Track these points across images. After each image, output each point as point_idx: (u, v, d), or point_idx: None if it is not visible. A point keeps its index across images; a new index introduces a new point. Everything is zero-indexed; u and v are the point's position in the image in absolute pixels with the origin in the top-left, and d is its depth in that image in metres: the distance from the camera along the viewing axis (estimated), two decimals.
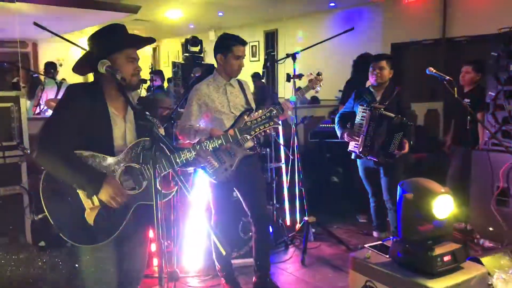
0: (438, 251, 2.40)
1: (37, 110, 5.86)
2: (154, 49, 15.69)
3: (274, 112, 2.40)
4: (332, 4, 9.22)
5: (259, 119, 2.31)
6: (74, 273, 3.14)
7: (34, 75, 6.85)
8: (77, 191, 1.98)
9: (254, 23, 11.30)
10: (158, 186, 2.09)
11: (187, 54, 6.12)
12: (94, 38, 2.14)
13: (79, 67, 2.16)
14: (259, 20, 11.06)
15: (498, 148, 4.02)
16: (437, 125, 7.13)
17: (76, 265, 3.03)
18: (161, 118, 3.78)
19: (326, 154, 5.59)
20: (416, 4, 8.18)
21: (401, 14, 8.42)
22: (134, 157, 2.04)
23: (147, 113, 2.22)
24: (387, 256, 2.61)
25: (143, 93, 5.75)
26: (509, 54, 4.01)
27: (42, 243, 3.82)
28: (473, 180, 4.27)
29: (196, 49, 6.05)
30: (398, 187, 2.56)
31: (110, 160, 2.02)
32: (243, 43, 3.19)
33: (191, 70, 4.44)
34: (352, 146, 3.91)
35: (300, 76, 4.04)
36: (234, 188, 3.30)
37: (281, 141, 4.61)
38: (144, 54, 15.35)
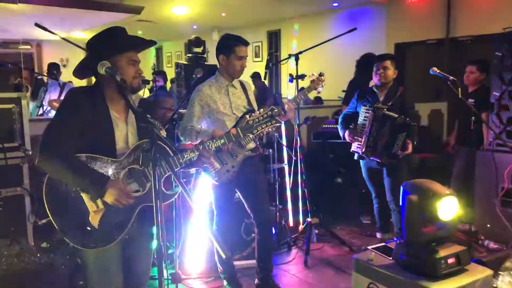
0: (442, 253, 2.37)
1: (40, 111, 5.87)
2: (157, 50, 15.72)
3: (275, 110, 2.39)
4: (335, 4, 9.20)
5: (261, 117, 2.31)
6: (76, 274, 3.14)
7: (38, 77, 6.87)
8: (81, 194, 1.97)
9: (257, 24, 11.30)
10: (162, 187, 2.09)
11: (190, 55, 6.12)
12: (94, 41, 2.13)
13: (79, 71, 2.15)
14: (262, 21, 11.05)
15: (502, 148, 3.99)
16: (441, 125, 7.09)
17: (79, 266, 3.06)
18: (165, 119, 3.76)
19: (329, 155, 5.56)
20: (419, 4, 8.15)
21: (405, 14, 8.38)
22: (137, 159, 2.02)
23: (148, 115, 2.22)
24: (390, 258, 2.58)
25: (146, 93, 5.75)
26: None
27: (44, 245, 3.83)
28: (478, 181, 4.24)
29: (199, 49, 6.05)
30: (401, 188, 2.54)
31: (112, 162, 2.01)
32: (246, 43, 3.17)
33: (194, 70, 4.43)
34: (354, 146, 3.88)
35: (302, 77, 4.02)
36: (236, 190, 3.29)
37: (284, 142, 4.59)
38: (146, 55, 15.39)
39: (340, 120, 4.10)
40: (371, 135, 3.72)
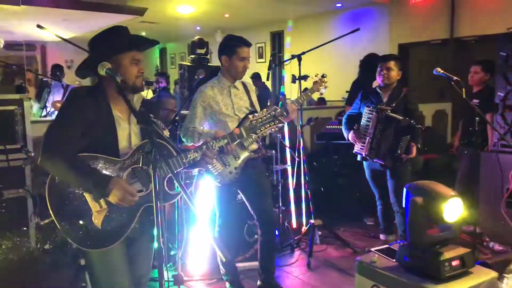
0: (446, 255, 2.34)
1: (44, 112, 5.89)
2: (161, 51, 15.74)
3: (278, 110, 2.39)
4: (338, 5, 9.18)
5: (264, 118, 2.31)
6: (79, 276, 3.13)
7: (43, 79, 6.89)
8: (84, 194, 1.96)
9: (260, 24, 11.29)
10: (165, 187, 2.08)
11: (193, 56, 6.11)
12: (96, 41, 2.11)
13: (82, 71, 2.14)
14: (265, 21, 11.05)
15: (507, 149, 3.95)
16: (445, 126, 7.06)
17: (81, 268, 3.05)
18: (168, 120, 3.76)
19: (333, 156, 5.55)
20: (423, 4, 8.11)
21: (408, 14, 8.35)
22: (140, 159, 2.01)
23: (151, 115, 2.21)
24: (394, 260, 2.56)
25: (150, 94, 5.74)
26: None
27: (47, 246, 3.83)
28: (482, 182, 4.21)
29: (203, 51, 6.04)
30: (404, 190, 2.51)
31: (115, 162, 2.00)
32: (248, 44, 3.16)
33: (197, 72, 4.42)
34: (357, 148, 3.86)
35: (305, 78, 4.00)
36: (239, 191, 3.28)
37: (287, 143, 4.57)
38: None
39: (344, 121, 4.08)
40: (375, 137, 3.69)
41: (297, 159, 4.40)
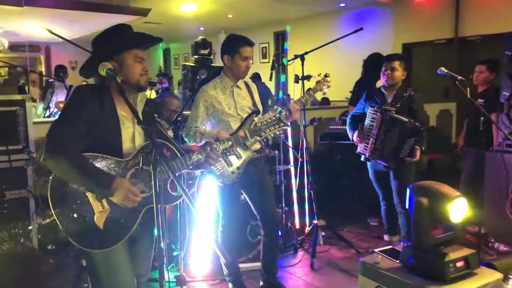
0: (450, 256, 2.31)
1: (47, 113, 5.91)
2: (165, 52, 15.76)
3: (283, 113, 2.38)
4: (342, 5, 9.15)
5: (269, 120, 2.31)
6: (81, 277, 3.13)
7: (49, 80, 6.92)
8: (86, 194, 1.94)
9: (263, 24, 11.27)
10: (168, 189, 2.07)
11: (196, 57, 6.10)
12: (99, 40, 2.10)
13: (85, 71, 2.12)
14: (269, 21, 11.03)
15: None
16: (450, 125, 7.02)
17: (83, 269, 3.05)
18: (171, 121, 3.75)
19: (337, 156, 5.52)
20: (427, 3, 8.07)
21: (413, 13, 8.31)
22: (144, 160, 2.00)
23: (155, 115, 2.20)
24: (398, 261, 2.53)
25: (153, 95, 5.74)
26: None
27: (50, 247, 3.83)
28: (487, 182, 4.17)
29: (206, 51, 6.03)
30: (408, 191, 2.49)
31: (119, 163, 1.99)
32: (250, 44, 3.14)
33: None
34: (361, 148, 3.82)
35: (308, 78, 3.98)
36: (242, 191, 3.26)
37: (290, 143, 4.55)
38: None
39: (348, 120, 4.04)
40: (378, 138, 3.65)
41: (300, 159, 4.38)
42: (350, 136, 3.96)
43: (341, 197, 5.38)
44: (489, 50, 6.71)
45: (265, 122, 2.33)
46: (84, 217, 1.95)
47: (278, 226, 3.56)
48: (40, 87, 9.24)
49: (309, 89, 3.41)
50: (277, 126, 2.32)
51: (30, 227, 3.14)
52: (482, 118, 3.47)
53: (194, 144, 3.10)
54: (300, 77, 4.05)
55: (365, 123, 3.78)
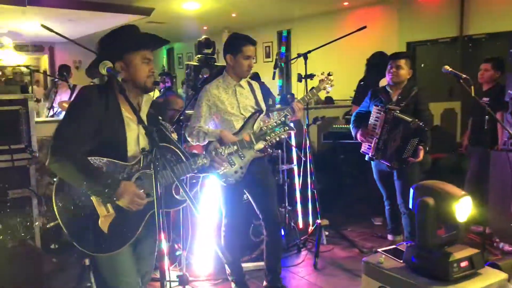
0: (454, 256, 2.29)
1: (51, 113, 5.92)
2: (168, 51, 15.77)
3: (288, 116, 2.38)
4: (346, 3, 9.12)
5: (274, 124, 2.32)
6: (84, 276, 3.13)
7: (54, 79, 6.94)
8: (91, 198, 1.93)
9: (267, 24, 11.25)
10: (173, 193, 2.06)
11: (200, 56, 6.10)
12: (107, 40, 2.08)
13: (91, 70, 2.11)
14: (272, 21, 11.01)
15: None
16: (454, 124, 6.97)
17: (86, 268, 3.05)
18: (173, 121, 3.74)
19: (340, 156, 5.50)
20: (432, 2, 8.03)
21: (417, 12, 8.27)
22: (149, 163, 1.98)
23: (160, 117, 2.18)
24: (401, 261, 2.52)
25: (156, 94, 5.74)
26: None
27: (53, 246, 3.84)
28: (492, 182, 4.13)
29: (209, 50, 6.02)
30: (411, 191, 2.47)
31: (124, 167, 1.97)
32: (253, 42, 3.13)
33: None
34: (365, 147, 3.79)
35: (311, 76, 3.96)
36: (245, 191, 3.25)
37: (293, 142, 4.53)
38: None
39: (352, 118, 4.00)
40: (382, 138, 3.62)
41: (303, 158, 4.37)
42: (353, 134, 3.94)
43: (345, 197, 5.37)
44: (495, 48, 6.67)
45: (270, 126, 2.34)
46: (89, 221, 1.94)
47: (280, 226, 3.54)
48: (44, 87, 9.28)
49: (313, 88, 3.40)
50: (283, 130, 2.33)
51: (33, 226, 3.13)
52: (487, 116, 3.44)
53: (197, 143, 3.09)
54: (303, 76, 4.03)
55: (370, 122, 3.74)
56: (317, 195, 4.11)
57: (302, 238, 4.25)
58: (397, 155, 3.57)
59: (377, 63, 4.84)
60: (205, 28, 11.79)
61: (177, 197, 2.09)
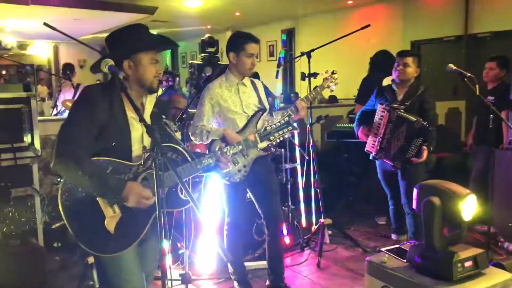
0: (458, 256, 2.28)
1: (55, 111, 5.93)
2: (172, 51, 15.77)
3: (292, 116, 2.39)
4: (350, 2, 9.09)
5: (278, 124, 2.33)
6: (86, 273, 3.13)
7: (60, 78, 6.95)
8: (97, 199, 1.92)
9: (271, 22, 11.24)
10: (178, 192, 2.05)
11: (203, 55, 6.10)
12: (116, 37, 2.06)
13: (96, 67, 2.09)
14: (276, 19, 10.99)
15: None
16: (459, 124, 6.94)
17: (89, 265, 3.05)
18: (176, 119, 3.74)
19: (344, 155, 5.49)
20: (437, 0, 7.99)
21: (422, 10, 8.23)
22: (158, 163, 1.97)
23: (164, 116, 2.17)
24: (405, 260, 2.50)
25: (159, 92, 5.73)
26: None
27: (56, 244, 3.85)
28: (497, 181, 4.10)
29: (213, 49, 6.02)
30: (415, 191, 2.45)
31: (130, 167, 1.96)
32: (256, 40, 3.11)
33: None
34: (369, 146, 3.76)
35: (315, 75, 3.95)
36: (247, 189, 3.24)
37: (296, 141, 4.52)
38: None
39: (357, 116, 3.96)
40: (385, 137, 3.58)
41: (306, 157, 4.35)
42: (356, 132, 3.91)
43: (348, 196, 5.35)
44: (499, 47, 6.62)
45: (274, 126, 2.35)
46: (95, 222, 1.93)
47: (282, 225, 3.53)
48: (48, 86, 9.29)
49: (316, 86, 3.38)
50: (286, 129, 2.34)
51: (36, 225, 3.14)
52: (492, 115, 3.41)
53: (201, 142, 3.08)
54: (306, 75, 4.02)
55: (375, 119, 3.70)
56: (320, 194, 4.09)
57: (305, 237, 4.23)
58: (400, 155, 3.53)
59: (381, 62, 4.81)
60: (208, 27, 11.79)
61: (182, 197, 2.08)
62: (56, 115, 5.85)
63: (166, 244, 1.73)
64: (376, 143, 3.65)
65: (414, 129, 3.43)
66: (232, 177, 3.04)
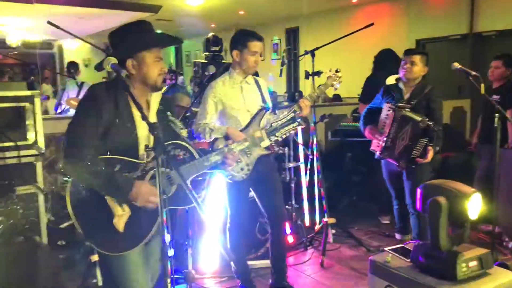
0: (463, 256, 2.26)
1: (59, 110, 5.95)
2: (176, 49, 15.79)
3: (297, 112, 2.38)
4: (354, 0, 9.06)
5: (284, 120, 2.31)
6: (89, 271, 3.14)
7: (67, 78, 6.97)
8: (105, 197, 1.92)
9: (275, 21, 11.22)
10: (191, 189, 2.04)
11: (207, 53, 6.10)
12: (119, 35, 2.05)
13: (100, 66, 2.09)
14: (280, 18, 10.98)
15: None
16: (464, 123, 6.90)
17: (92, 263, 3.06)
18: (179, 118, 3.74)
19: (348, 153, 5.47)
20: None
21: (427, 8, 8.19)
22: (162, 160, 1.96)
23: (169, 113, 2.16)
24: (408, 260, 2.49)
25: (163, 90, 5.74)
26: None
27: (60, 242, 3.86)
28: (502, 180, 4.07)
29: (217, 48, 6.02)
30: (418, 191, 2.43)
31: (137, 165, 1.96)
32: (259, 38, 3.10)
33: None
34: (374, 145, 3.73)
35: (318, 73, 3.93)
36: (250, 188, 3.23)
37: (300, 140, 4.51)
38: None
39: (362, 114, 3.93)
40: (390, 136, 3.55)
41: (310, 156, 4.34)
42: (361, 129, 3.88)
43: (352, 195, 5.33)
44: (505, 45, 6.58)
45: (280, 122, 2.34)
46: (104, 220, 1.93)
47: (285, 224, 3.52)
48: (52, 84, 9.31)
49: (320, 85, 3.37)
50: (292, 125, 2.33)
51: (39, 223, 3.15)
52: (497, 114, 3.38)
53: (204, 140, 3.08)
54: (310, 73, 4.00)
55: (380, 118, 3.67)
56: (324, 193, 4.08)
57: (308, 236, 4.22)
58: (405, 155, 3.49)
59: (385, 61, 4.79)
60: (213, 25, 11.79)
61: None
62: (60, 113, 5.87)
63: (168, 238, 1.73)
64: (380, 142, 3.62)
65: (419, 129, 3.38)
66: (235, 176, 3.03)
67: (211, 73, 3.63)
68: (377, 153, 3.68)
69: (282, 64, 4.36)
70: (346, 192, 5.31)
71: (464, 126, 6.96)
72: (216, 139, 2.99)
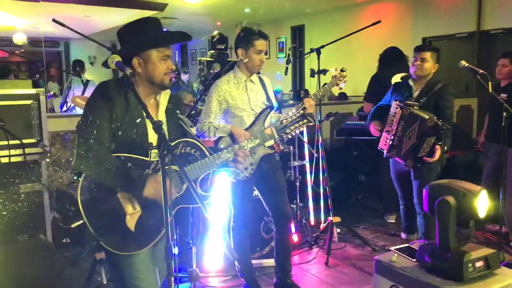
0: (469, 256, 2.23)
1: (64, 108, 5.97)
2: (182, 47, 15.79)
3: (306, 109, 2.39)
4: None
5: (293, 117, 2.34)
6: (94, 269, 3.14)
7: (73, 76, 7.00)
8: (117, 196, 1.91)
9: (280, 19, 11.20)
10: (197, 188, 2.03)
11: (212, 51, 6.09)
12: (125, 33, 2.03)
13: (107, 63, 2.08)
14: (286, 16, 10.95)
15: None
16: (471, 121, 6.85)
17: (97, 261, 3.06)
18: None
19: (354, 152, 5.45)
20: None
21: (433, 6, 8.13)
22: (172, 159, 1.96)
23: (178, 111, 2.15)
24: (414, 259, 2.47)
25: None
26: None
27: (65, 240, 3.87)
28: (509, 180, 4.04)
29: (222, 46, 6.01)
30: (424, 191, 2.41)
31: (149, 163, 1.95)
32: (265, 37, 3.09)
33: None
34: (382, 144, 3.68)
35: (324, 72, 3.91)
36: (254, 187, 3.22)
37: (305, 138, 4.49)
38: None
39: (371, 111, 3.87)
40: (397, 134, 3.52)
41: (315, 154, 4.32)
42: (368, 126, 3.84)
43: (357, 194, 5.31)
44: None
45: (290, 119, 2.35)
46: (115, 220, 1.92)
47: (290, 223, 3.51)
48: (58, 82, 9.35)
49: (325, 84, 3.35)
50: (302, 122, 2.35)
51: (44, 221, 3.15)
52: (504, 113, 3.35)
53: (208, 139, 3.07)
54: (316, 71, 3.98)
55: (388, 116, 3.63)
56: (329, 192, 4.06)
57: (313, 235, 4.21)
58: (412, 154, 3.44)
59: (390, 59, 4.76)
60: (218, 23, 11.77)
61: (202, 192, 2.06)
62: (65, 111, 5.89)
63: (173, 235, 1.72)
64: (387, 141, 3.59)
65: (426, 127, 3.32)
66: (239, 175, 3.02)
67: (216, 71, 3.62)
68: (385, 152, 3.64)
69: (288, 62, 4.35)
70: (352, 190, 5.29)
71: (471, 125, 6.90)
72: (220, 137, 2.98)
